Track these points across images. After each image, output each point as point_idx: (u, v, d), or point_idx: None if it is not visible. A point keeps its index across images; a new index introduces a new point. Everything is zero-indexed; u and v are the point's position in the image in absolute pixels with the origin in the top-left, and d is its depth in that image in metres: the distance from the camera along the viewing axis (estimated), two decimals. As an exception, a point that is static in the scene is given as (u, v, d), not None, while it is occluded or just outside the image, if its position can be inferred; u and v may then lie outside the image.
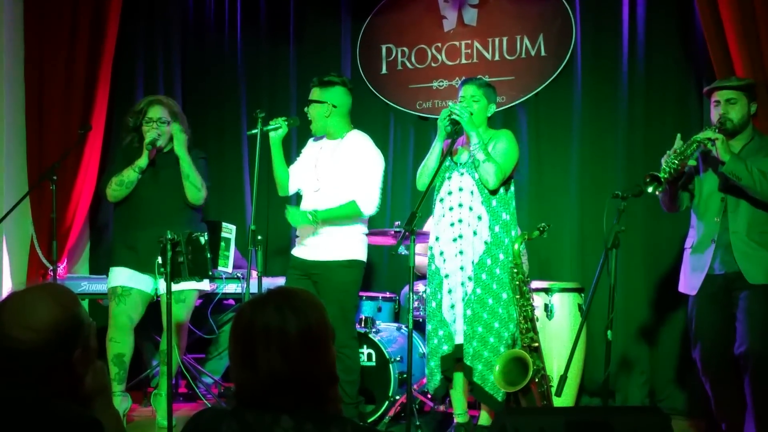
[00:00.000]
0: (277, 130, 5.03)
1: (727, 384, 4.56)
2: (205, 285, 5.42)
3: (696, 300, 4.59)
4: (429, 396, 5.51)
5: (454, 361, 4.70)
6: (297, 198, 5.39)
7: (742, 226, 4.45)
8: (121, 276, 5.29)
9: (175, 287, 4.81)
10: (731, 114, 4.51)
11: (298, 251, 5.11)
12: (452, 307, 4.70)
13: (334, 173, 4.99)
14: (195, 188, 5.29)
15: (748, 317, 4.39)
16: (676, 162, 4.33)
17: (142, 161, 5.28)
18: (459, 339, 4.66)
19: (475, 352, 4.61)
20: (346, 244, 4.97)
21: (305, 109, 5.15)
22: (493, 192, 4.70)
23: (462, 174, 4.78)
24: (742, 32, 4.82)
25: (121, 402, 5.24)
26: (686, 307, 4.79)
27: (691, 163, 4.50)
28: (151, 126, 5.29)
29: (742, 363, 4.42)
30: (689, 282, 4.63)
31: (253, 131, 4.97)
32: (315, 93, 5.10)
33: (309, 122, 5.13)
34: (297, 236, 5.17)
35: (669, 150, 4.45)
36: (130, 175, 5.28)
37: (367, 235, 5.12)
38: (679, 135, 4.52)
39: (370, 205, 4.99)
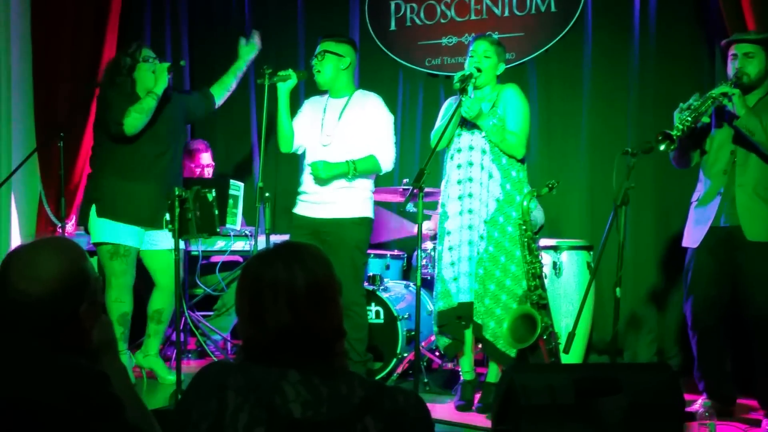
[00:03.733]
0: (286, 80, 4.92)
1: (714, 340, 4.56)
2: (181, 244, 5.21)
3: (695, 252, 4.56)
4: (437, 353, 5.53)
5: (454, 318, 4.71)
6: (297, 157, 5.30)
7: (749, 180, 4.40)
8: (121, 232, 5.16)
9: (170, 245, 4.78)
10: (748, 68, 4.43)
11: (304, 209, 5.05)
12: (452, 264, 4.70)
13: (346, 130, 4.95)
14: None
15: (753, 279, 4.38)
16: (689, 119, 4.27)
17: (158, 87, 5.08)
18: (463, 297, 4.66)
19: (487, 310, 4.60)
20: (357, 201, 4.95)
21: (314, 60, 5.04)
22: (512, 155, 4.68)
23: (473, 132, 4.74)
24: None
25: (127, 360, 5.24)
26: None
27: (705, 120, 4.46)
28: (150, 63, 5.16)
29: (753, 327, 4.41)
30: (692, 235, 4.59)
31: (262, 80, 4.91)
32: (329, 45, 5.01)
33: (312, 76, 5.04)
34: (302, 193, 5.09)
35: (682, 103, 4.40)
36: (148, 102, 5.06)
37: (373, 192, 5.10)
38: (697, 94, 4.46)
39: (388, 161, 4.99)
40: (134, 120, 5.06)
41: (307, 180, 5.05)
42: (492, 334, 4.60)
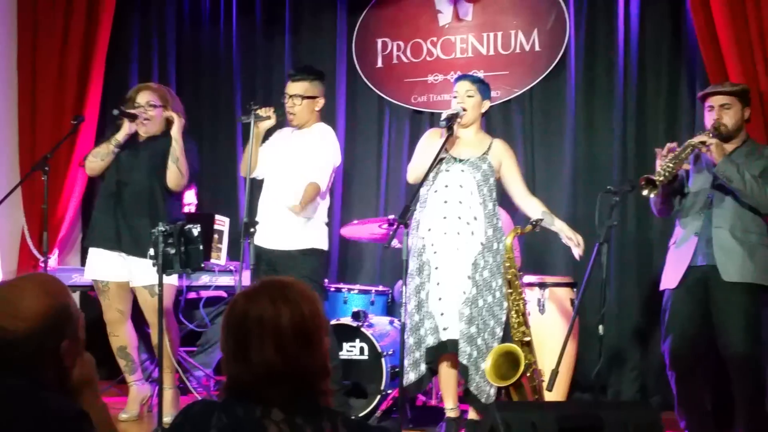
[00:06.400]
0: (267, 120, 4.98)
1: (692, 379, 4.59)
2: (173, 279, 5.21)
3: (673, 292, 4.58)
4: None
5: (439, 354, 4.69)
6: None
7: (726, 222, 4.45)
8: (98, 266, 5.26)
9: (145, 281, 4.85)
10: (725, 119, 4.51)
11: (259, 240, 5.00)
12: (440, 299, 4.69)
13: (301, 164, 5.00)
14: (180, 173, 5.14)
15: (729, 319, 4.41)
16: (671, 165, 4.34)
17: (120, 134, 5.16)
18: (449, 335, 4.64)
19: (471, 356, 4.61)
20: (308, 233, 4.99)
21: (288, 101, 5.06)
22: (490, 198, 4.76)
23: (463, 171, 4.78)
24: (735, 36, 4.83)
25: (138, 392, 5.34)
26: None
27: (686, 166, 4.52)
28: (140, 111, 5.20)
29: (731, 366, 4.45)
30: (670, 276, 4.62)
31: (246, 120, 4.94)
32: (303, 87, 5.05)
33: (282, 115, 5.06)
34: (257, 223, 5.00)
35: (660, 150, 4.46)
36: (105, 146, 5.20)
37: (327, 224, 5.16)
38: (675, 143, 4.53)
39: (320, 180, 4.98)
40: (89, 163, 5.29)
41: (262, 208, 5.08)
42: (476, 386, 4.62)
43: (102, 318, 5.36)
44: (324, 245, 5.09)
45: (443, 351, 4.66)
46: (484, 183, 4.76)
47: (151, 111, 5.22)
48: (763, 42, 4.77)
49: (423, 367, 4.72)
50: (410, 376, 4.74)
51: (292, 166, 5.02)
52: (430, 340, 4.68)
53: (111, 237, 5.20)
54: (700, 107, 4.82)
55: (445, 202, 4.77)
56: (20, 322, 2.05)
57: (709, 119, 4.57)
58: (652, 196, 4.36)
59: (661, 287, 4.70)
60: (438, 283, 4.70)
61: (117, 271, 5.23)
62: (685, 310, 4.53)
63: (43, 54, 6.59)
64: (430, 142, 4.89)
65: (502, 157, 4.84)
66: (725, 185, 4.39)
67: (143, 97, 5.24)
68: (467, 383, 4.64)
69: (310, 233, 5.01)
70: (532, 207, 4.85)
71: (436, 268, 4.73)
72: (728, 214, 4.45)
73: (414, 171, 4.89)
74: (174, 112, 5.24)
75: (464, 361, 4.60)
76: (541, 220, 4.66)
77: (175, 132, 5.16)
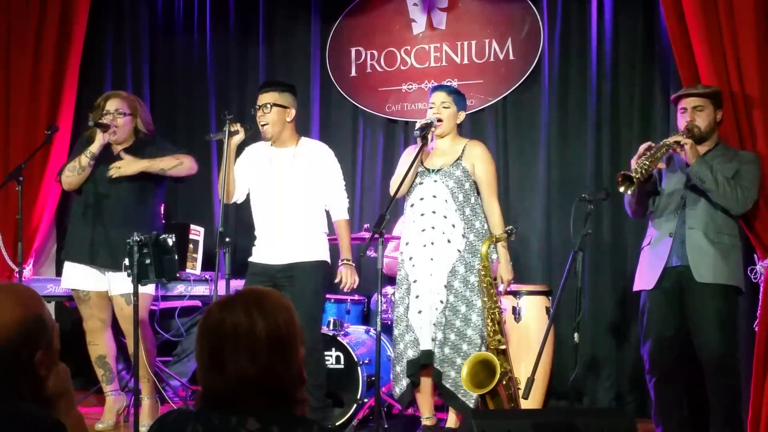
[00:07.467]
0: (237, 134, 4.87)
1: (671, 382, 4.62)
2: (149, 289, 5.23)
3: (650, 295, 4.61)
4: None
5: (420, 366, 4.70)
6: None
7: (699, 223, 4.48)
8: (77, 276, 5.26)
9: (122, 290, 4.84)
10: (698, 121, 4.55)
11: (261, 257, 4.98)
12: (419, 312, 4.70)
13: (300, 182, 4.94)
14: (180, 168, 5.23)
15: (703, 321, 4.45)
16: (647, 163, 4.37)
17: (94, 146, 5.13)
18: (425, 345, 4.66)
19: (447, 358, 4.62)
20: (313, 245, 4.94)
21: (258, 113, 4.97)
22: (466, 201, 4.76)
23: (436, 182, 4.79)
24: (707, 40, 4.86)
25: (114, 402, 5.32)
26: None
27: (661, 165, 4.56)
28: (108, 118, 5.18)
29: (706, 367, 4.47)
30: (645, 277, 4.64)
31: (217, 137, 4.91)
32: (272, 96, 4.95)
33: (254, 129, 4.98)
34: (257, 239, 5.04)
35: (638, 151, 4.50)
36: (81, 159, 5.16)
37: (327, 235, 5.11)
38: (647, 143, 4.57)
39: (345, 210, 5.06)
40: (66, 177, 5.26)
41: (260, 227, 5.02)
42: (453, 383, 4.61)
43: (77, 328, 5.35)
44: (327, 257, 5.03)
45: (423, 363, 4.67)
46: (458, 189, 4.77)
47: (119, 119, 5.20)
48: (736, 47, 4.80)
49: (404, 382, 4.76)
50: (396, 390, 4.78)
51: (297, 186, 4.93)
52: (411, 353, 4.70)
53: (88, 252, 5.21)
54: (674, 115, 4.85)
55: (422, 215, 4.79)
56: (-6, 333, 2.05)
57: (681, 121, 4.61)
58: (628, 192, 4.39)
59: (636, 288, 4.73)
60: (417, 296, 4.72)
61: (97, 281, 5.24)
62: (663, 313, 4.56)
63: (17, 63, 6.53)
64: (411, 154, 4.90)
65: (475, 159, 4.82)
66: (698, 186, 4.43)
67: (112, 105, 5.23)
68: (439, 386, 4.65)
69: (316, 245, 4.96)
70: (489, 215, 4.82)
71: (415, 281, 4.75)
72: (702, 215, 4.49)
73: (393, 183, 4.89)
74: (144, 121, 5.27)
75: (437, 366, 4.62)
76: (516, 228, 4.68)
77: (144, 166, 5.16)
